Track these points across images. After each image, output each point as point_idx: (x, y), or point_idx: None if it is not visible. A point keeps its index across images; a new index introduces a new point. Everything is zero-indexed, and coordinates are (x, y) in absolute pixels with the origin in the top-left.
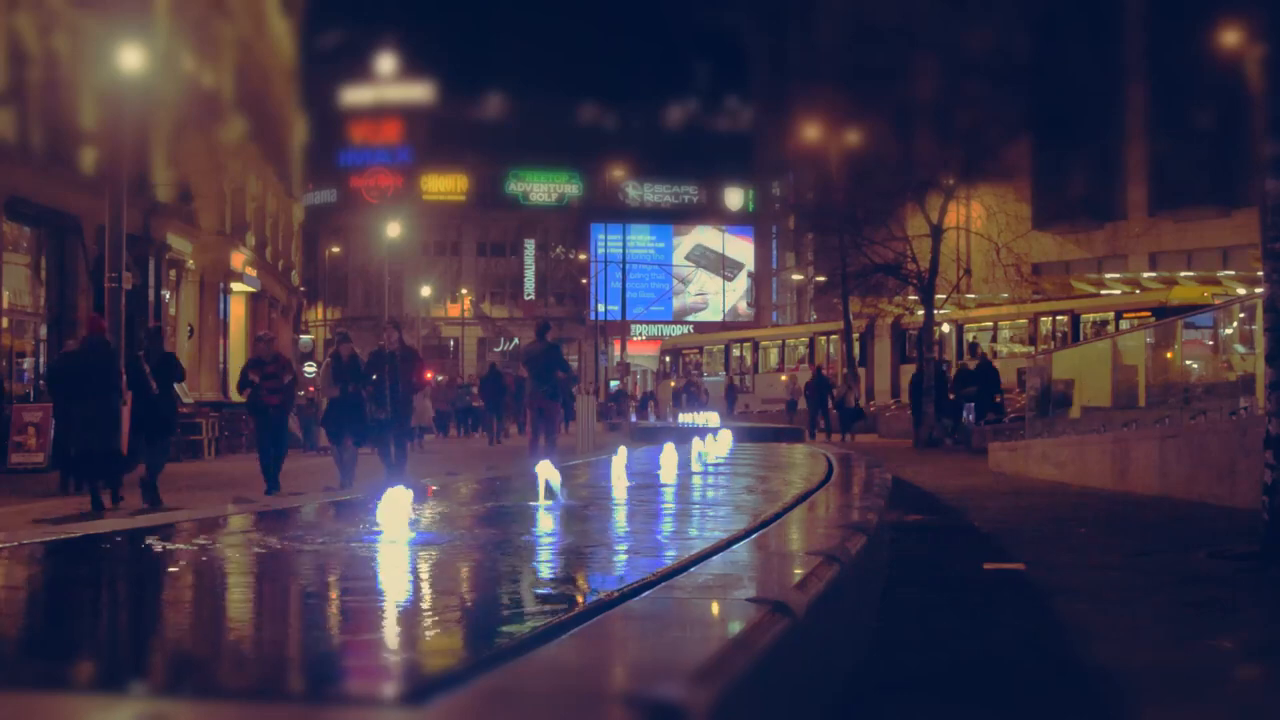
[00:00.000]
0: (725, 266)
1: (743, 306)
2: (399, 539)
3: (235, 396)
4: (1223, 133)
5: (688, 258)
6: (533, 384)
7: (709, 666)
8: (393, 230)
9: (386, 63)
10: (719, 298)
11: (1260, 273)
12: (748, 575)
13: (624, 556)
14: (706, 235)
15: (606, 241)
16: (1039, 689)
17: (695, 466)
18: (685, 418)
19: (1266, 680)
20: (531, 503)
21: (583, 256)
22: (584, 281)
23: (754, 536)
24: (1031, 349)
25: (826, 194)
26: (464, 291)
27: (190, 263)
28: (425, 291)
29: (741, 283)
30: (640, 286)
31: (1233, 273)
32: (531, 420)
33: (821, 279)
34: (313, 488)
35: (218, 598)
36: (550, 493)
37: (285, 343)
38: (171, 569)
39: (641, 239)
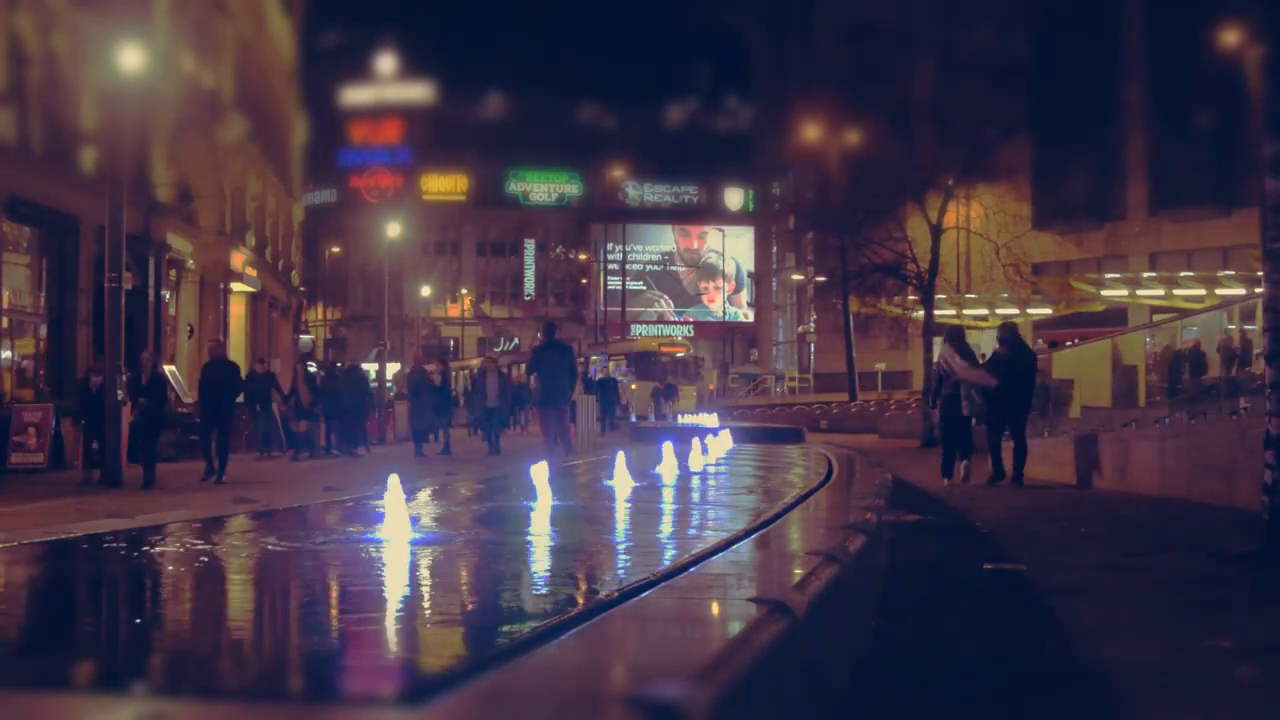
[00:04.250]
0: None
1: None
2: (399, 538)
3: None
4: (1223, 133)
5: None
6: (541, 385)
7: (709, 666)
8: (393, 230)
9: (386, 63)
10: (720, 298)
11: (1260, 273)
12: (748, 575)
13: (624, 556)
14: (708, 236)
15: (605, 237)
16: (1039, 689)
17: (694, 466)
18: (685, 418)
19: (1266, 680)
20: (530, 503)
21: (583, 256)
22: (584, 281)
23: (754, 536)
24: None
25: (826, 194)
26: (464, 291)
27: (190, 263)
28: (425, 291)
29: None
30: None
31: (1233, 273)
32: (542, 421)
33: (821, 279)
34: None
35: (217, 597)
36: (550, 493)
37: (286, 343)
38: (171, 569)
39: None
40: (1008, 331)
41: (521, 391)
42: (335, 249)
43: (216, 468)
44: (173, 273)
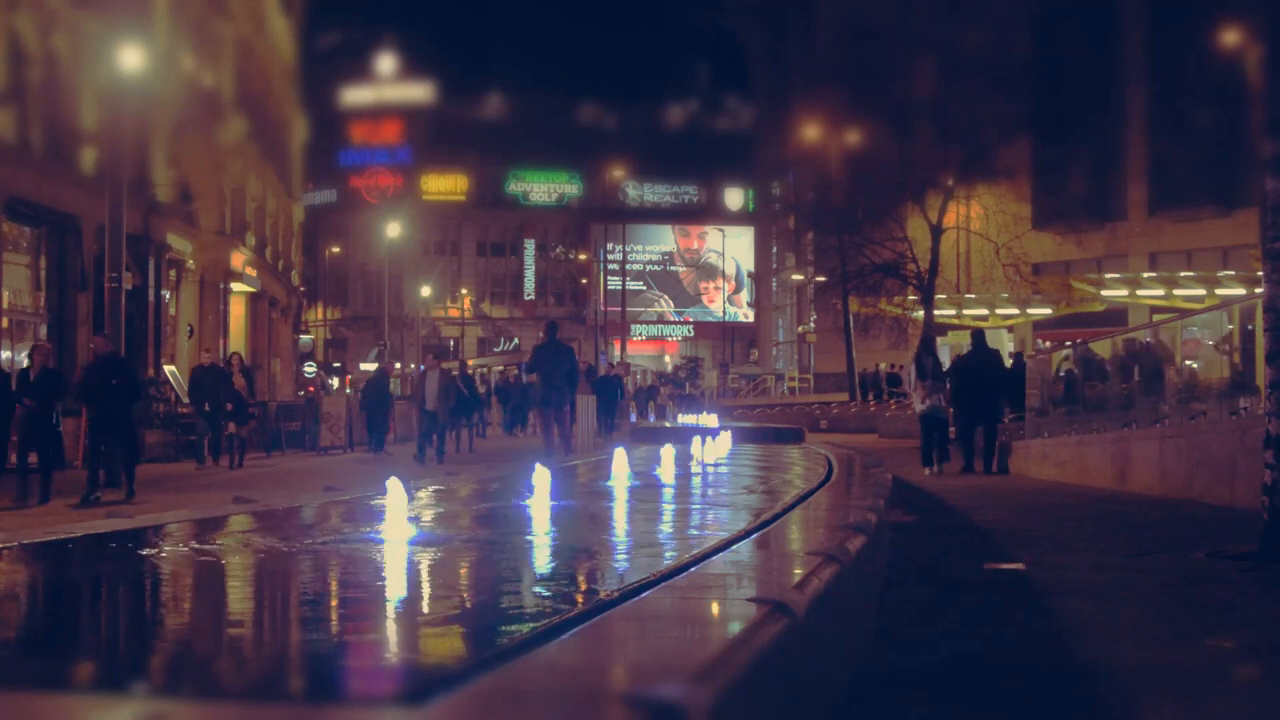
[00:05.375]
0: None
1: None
2: (399, 538)
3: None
4: (1223, 133)
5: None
6: (541, 385)
7: (709, 666)
8: (393, 230)
9: (386, 63)
10: (720, 298)
11: (1260, 273)
12: (748, 575)
13: (624, 556)
14: (707, 236)
15: (605, 237)
16: (1039, 689)
17: (694, 466)
18: (684, 419)
19: (1266, 680)
20: (531, 502)
21: (583, 256)
22: (584, 281)
23: (754, 536)
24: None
25: (826, 194)
26: (464, 291)
27: (190, 263)
28: (425, 291)
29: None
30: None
31: (1233, 273)
32: (542, 420)
33: (821, 279)
34: None
35: (218, 597)
36: (550, 492)
37: (286, 343)
38: (172, 569)
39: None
40: (975, 338)
41: (484, 393)
42: (335, 249)
43: (101, 481)
44: (173, 273)
